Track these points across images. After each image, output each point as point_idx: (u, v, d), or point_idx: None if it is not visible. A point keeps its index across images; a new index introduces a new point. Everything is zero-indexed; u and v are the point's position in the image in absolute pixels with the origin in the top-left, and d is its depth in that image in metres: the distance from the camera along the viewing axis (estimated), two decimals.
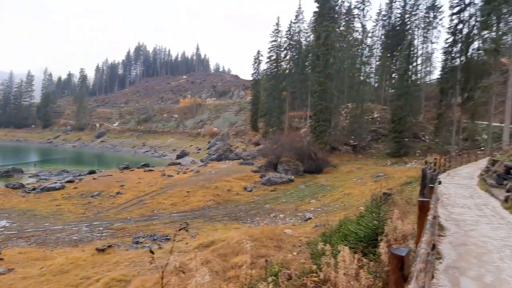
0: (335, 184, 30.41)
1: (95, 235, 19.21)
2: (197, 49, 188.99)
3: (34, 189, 31.26)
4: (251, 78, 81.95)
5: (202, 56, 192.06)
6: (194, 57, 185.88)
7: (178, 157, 65.60)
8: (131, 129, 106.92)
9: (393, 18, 64.35)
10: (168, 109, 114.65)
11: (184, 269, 5.53)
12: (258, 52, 76.08)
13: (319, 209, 22.56)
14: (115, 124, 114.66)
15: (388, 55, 62.87)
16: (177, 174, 39.19)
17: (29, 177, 42.96)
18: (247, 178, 34.22)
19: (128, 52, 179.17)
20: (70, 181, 34.27)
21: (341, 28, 57.36)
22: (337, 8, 56.49)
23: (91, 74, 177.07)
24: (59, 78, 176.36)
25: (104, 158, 77.78)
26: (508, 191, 13.29)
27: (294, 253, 10.11)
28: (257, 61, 76.61)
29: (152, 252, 4.24)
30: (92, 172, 41.23)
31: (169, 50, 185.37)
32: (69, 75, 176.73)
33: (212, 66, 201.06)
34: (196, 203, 26.13)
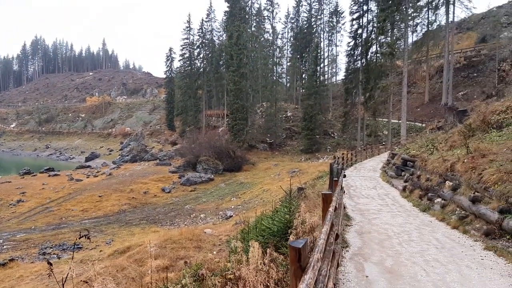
0: (254, 181, 31.27)
1: None
2: (104, 44, 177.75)
3: None
4: (164, 76, 79.89)
5: (110, 52, 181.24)
6: (101, 53, 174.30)
7: (88, 159, 61.28)
8: (31, 130, 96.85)
9: (300, 22, 68.07)
10: (73, 108, 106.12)
11: (88, 280, 5.33)
12: (170, 50, 74.52)
13: (240, 207, 23.07)
14: (12, 126, 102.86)
15: (298, 56, 66.32)
16: (87, 178, 36.73)
17: None
18: (165, 179, 33.46)
19: (24, 46, 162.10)
20: None
21: (253, 29, 58.90)
22: (247, 9, 57.91)
23: None
24: None
25: (1, 163, 69.17)
26: (405, 181, 14.98)
27: (214, 252, 10.33)
28: (169, 58, 74.97)
29: (50, 263, 3.94)
30: None
31: (71, 45, 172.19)
32: None
33: (121, 63, 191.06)
34: (110, 207, 24.84)
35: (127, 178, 33.77)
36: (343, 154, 24.79)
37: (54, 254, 16.42)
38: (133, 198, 27.01)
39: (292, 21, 69.93)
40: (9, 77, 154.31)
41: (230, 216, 20.23)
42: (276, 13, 63.46)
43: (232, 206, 23.76)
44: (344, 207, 9.98)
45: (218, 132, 49.59)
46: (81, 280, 4.24)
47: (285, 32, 72.34)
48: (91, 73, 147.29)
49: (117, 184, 30.43)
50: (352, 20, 42.70)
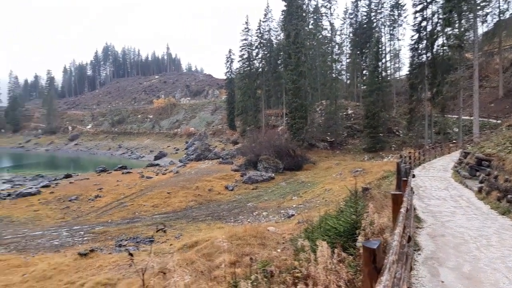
0: (315, 180, 31.05)
1: (76, 239, 19.00)
2: (168, 48, 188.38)
3: (9, 195, 30.53)
4: (224, 77, 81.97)
5: (173, 56, 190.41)
6: (165, 57, 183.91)
7: (156, 158, 65.01)
8: (105, 131, 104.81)
9: (359, 17, 66.08)
10: (142, 110, 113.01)
11: (165, 270, 5.72)
12: (230, 51, 76.20)
13: (301, 206, 23.08)
14: (88, 127, 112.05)
15: (358, 52, 64.42)
16: (156, 175, 38.97)
17: (3, 183, 41.70)
18: (228, 177, 34.43)
19: (96, 53, 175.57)
20: (46, 186, 33.55)
21: (310, 27, 58.25)
22: (304, 6, 57.35)
23: (58, 76, 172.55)
24: (26, 81, 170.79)
25: (80, 162, 75.98)
26: (481, 182, 13.96)
27: (278, 250, 10.50)
28: (229, 60, 76.72)
29: (131, 254, 4.33)
30: (68, 176, 40.45)
31: (138, 50, 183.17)
32: (36, 77, 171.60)
33: (184, 66, 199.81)
34: (178, 204, 26.17)
35: (193, 176, 35.29)
36: (410, 153, 23.69)
37: (129, 246, 17.71)
38: (198, 195, 28.18)
39: (351, 16, 68.02)
40: (84, 82, 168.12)
41: (292, 215, 20.32)
42: (334, 9, 62.47)
43: (294, 205, 23.83)
44: (414, 209, 9.61)
45: (277, 131, 49.86)
46: (159, 271, 4.59)
47: (343, 28, 70.50)
48: (156, 76, 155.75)
49: (183, 182, 31.94)
50: (415, 12, 40.58)
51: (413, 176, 15.02)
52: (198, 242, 14.03)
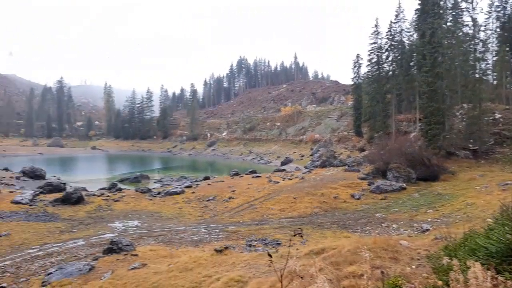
0: (454, 193, 27.80)
1: (213, 236, 20.82)
2: (295, 57, 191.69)
3: (159, 193, 35.11)
4: (351, 83, 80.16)
5: (301, 64, 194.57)
6: (293, 66, 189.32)
7: (283, 163, 67.05)
8: (238, 137, 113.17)
9: (508, 9, 56.86)
10: (270, 118, 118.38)
11: (303, 274, 5.80)
12: (358, 56, 74.29)
13: (438, 220, 20.94)
14: (223, 134, 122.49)
15: (507, 49, 55.45)
16: (283, 180, 40.19)
17: (154, 182, 48.53)
18: (354, 185, 33.41)
19: (231, 66, 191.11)
20: (189, 186, 37.69)
21: (448, 24, 52.44)
22: (441, 3, 51.95)
23: (200, 89, 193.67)
24: (173, 93, 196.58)
25: (216, 165, 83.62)
26: None
27: (413, 266, 9.72)
28: (356, 65, 74.84)
29: (270, 255, 4.55)
30: (206, 178, 44.73)
31: (268, 61, 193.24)
32: (182, 90, 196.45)
33: (310, 74, 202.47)
34: (303, 209, 26.48)
35: (318, 182, 35.32)
36: None
37: (258, 246, 18.65)
38: (324, 202, 28.04)
39: (498, 9, 59.25)
40: (220, 93, 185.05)
41: (427, 230, 18.55)
42: (477, 3, 54.80)
43: (429, 219, 21.73)
44: None
45: (409, 137, 46.22)
46: (297, 274, 4.70)
47: (488, 23, 61.44)
48: (284, 86, 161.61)
49: (308, 188, 32.21)
50: None
51: None
52: (324, 250, 13.93)
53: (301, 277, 4.26)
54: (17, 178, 49.74)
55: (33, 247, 18.73)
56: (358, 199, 29.31)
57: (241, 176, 45.32)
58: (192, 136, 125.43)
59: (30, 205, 28.68)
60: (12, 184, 44.27)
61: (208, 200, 31.47)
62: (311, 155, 67.79)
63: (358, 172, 39.71)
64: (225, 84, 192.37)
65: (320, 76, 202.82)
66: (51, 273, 13.63)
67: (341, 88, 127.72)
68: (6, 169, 57.20)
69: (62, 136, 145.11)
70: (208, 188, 36.92)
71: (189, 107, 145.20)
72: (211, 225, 23.58)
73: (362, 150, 59.29)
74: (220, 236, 20.97)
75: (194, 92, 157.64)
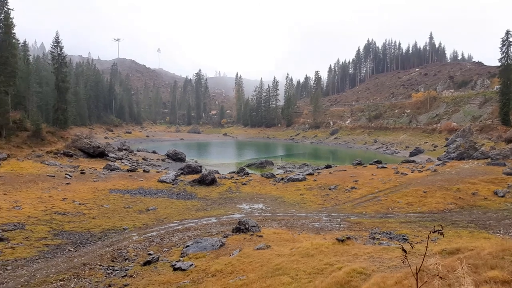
0: None
1: (334, 225, 20.68)
2: (431, 38, 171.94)
3: (282, 179, 36.37)
4: (498, 64, 68.95)
5: (437, 45, 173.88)
6: (427, 47, 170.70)
7: (412, 154, 62.43)
8: (362, 126, 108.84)
9: None
10: (399, 105, 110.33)
11: (443, 275, 5.27)
12: (507, 33, 63.08)
13: None
14: (347, 122, 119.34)
15: None
16: (412, 172, 37.32)
17: (278, 168, 50.43)
18: (498, 181, 28.99)
19: (358, 51, 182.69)
20: (310, 174, 38.08)
21: None
22: None
23: (324, 76, 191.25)
24: (298, 82, 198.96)
25: (337, 154, 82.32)
26: None
27: None
28: (505, 43, 63.79)
29: (404, 251, 4.29)
30: (328, 167, 44.47)
31: (399, 43, 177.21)
32: (306, 78, 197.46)
33: (448, 55, 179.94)
34: (435, 204, 24.20)
35: (453, 176, 31.75)
36: None
37: (382, 240, 17.83)
38: (459, 198, 25.14)
39: None
40: (345, 80, 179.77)
41: None
42: None
43: None
44: None
45: None
46: (437, 275, 4.38)
47: None
48: (416, 69, 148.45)
49: (442, 182, 29.24)
50: None
51: None
52: (460, 250, 12.57)
53: (441, 278, 3.92)
54: (163, 160, 57.69)
55: (174, 221, 21.55)
56: (502, 196, 25.40)
57: (364, 166, 43.64)
58: (315, 124, 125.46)
59: (173, 184, 33.04)
60: (158, 165, 51.52)
61: (329, 189, 31.30)
62: (445, 145, 61.10)
63: (503, 166, 34.28)
64: (351, 70, 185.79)
65: (460, 57, 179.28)
66: (188, 245, 15.54)
67: (486, 70, 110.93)
68: (154, 152, 66.92)
69: (199, 123, 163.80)
70: (329, 176, 36.66)
71: (312, 95, 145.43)
72: (333, 214, 23.44)
73: (509, 141, 50.82)
74: (341, 225, 20.70)
75: (318, 79, 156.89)
